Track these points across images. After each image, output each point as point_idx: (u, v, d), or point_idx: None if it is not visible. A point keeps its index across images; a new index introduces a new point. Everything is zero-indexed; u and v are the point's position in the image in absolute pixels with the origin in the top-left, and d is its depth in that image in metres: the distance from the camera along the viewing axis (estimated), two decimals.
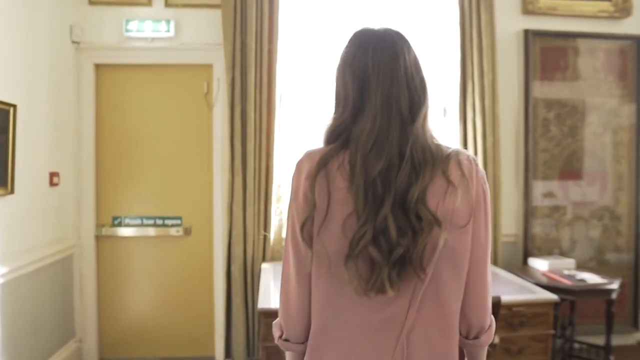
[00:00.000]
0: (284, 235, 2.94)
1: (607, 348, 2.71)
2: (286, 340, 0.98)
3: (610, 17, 3.38)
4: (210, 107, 3.13)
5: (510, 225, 3.28)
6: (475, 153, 3.12)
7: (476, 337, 0.98)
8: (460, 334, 0.97)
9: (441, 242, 0.87)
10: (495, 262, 3.07)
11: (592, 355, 2.99)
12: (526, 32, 3.23)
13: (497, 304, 1.74)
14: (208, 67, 3.12)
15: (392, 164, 0.88)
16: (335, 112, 0.99)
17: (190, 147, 3.15)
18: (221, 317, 3.05)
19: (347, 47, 0.98)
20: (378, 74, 0.92)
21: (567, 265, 2.99)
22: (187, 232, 3.16)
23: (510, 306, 2.20)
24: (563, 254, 3.28)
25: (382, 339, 0.89)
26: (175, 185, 3.15)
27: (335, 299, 0.91)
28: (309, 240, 0.90)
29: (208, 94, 3.13)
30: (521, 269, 3.04)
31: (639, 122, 3.42)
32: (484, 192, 0.93)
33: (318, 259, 0.90)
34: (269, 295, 2.21)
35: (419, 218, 0.85)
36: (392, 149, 0.88)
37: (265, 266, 2.84)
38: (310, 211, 0.89)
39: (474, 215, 0.90)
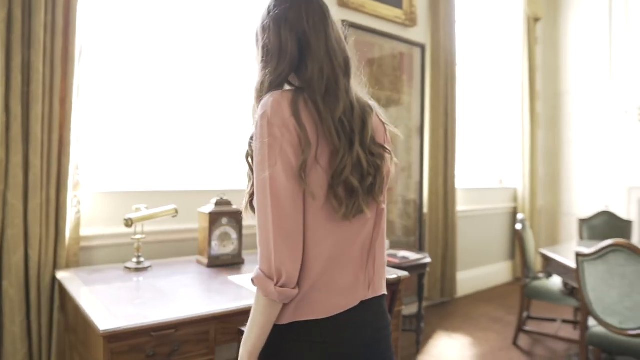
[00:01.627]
0: (82, 233, 2.29)
1: (419, 316, 3.01)
2: (283, 286, 0.96)
3: (402, 24, 3.80)
4: None
5: None
6: None
7: None
8: None
9: (392, 171, 1.13)
10: None
11: (407, 325, 3.30)
12: (344, 23, 3.32)
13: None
14: None
15: (347, 107, 1.03)
16: (268, 65, 1.05)
17: None
18: None
19: (276, 4, 1.06)
20: (316, 29, 1.05)
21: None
22: None
23: None
24: None
25: (357, 260, 1.05)
26: None
27: (324, 230, 0.99)
28: (304, 174, 0.95)
29: None
30: None
31: (422, 118, 3.96)
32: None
33: (307, 193, 0.97)
34: (104, 312, 1.60)
35: (376, 153, 1.04)
36: (343, 95, 1.03)
37: (63, 275, 2.08)
38: (306, 145, 0.96)
39: None
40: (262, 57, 1.07)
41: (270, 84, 1.04)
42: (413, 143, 3.92)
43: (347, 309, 1.02)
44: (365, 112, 1.05)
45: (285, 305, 1.00)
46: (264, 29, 1.06)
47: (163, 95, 2.79)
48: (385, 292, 1.13)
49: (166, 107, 2.81)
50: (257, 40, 1.10)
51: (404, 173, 3.86)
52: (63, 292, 2.04)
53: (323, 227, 0.99)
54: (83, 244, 2.32)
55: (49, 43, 2.15)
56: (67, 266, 2.24)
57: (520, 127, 5.19)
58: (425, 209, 4.02)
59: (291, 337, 1.01)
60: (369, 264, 1.09)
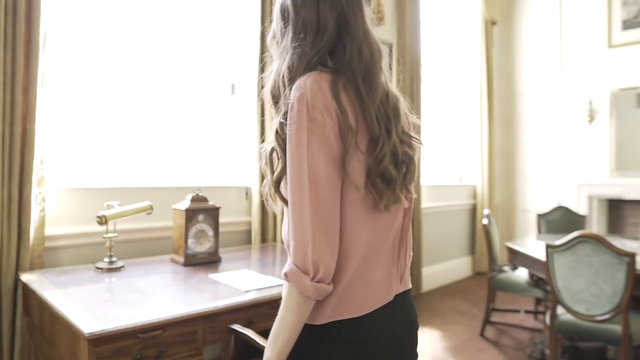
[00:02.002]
0: (47, 232, 2.15)
1: None
2: (319, 281, 0.89)
3: (372, 22, 3.83)
4: None
5: None
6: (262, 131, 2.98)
7: None
8: None
9: (419, 162, 1.10)
10: None
11: None
12: None
13: None
14: None
15: (383, 94, 0.99)
16: (302, 43, 0.98)
17: None
18: None
19: None
20: (354, 8, 1.01)
21: None
22: None
23: None
24: None
25: (390, 252, 1.01)
26: None
27: (362, 221, 0.94)
28: (346, 163, 0.91)
29: None
30: None
31: None
32: None
33: (347, 182, 0.92)
34: (84, 314, 1.49)
35: (407, 142, 1.00)
36: (381, 80, 1.00)
37: (29, 277, 1.93)
38: (349, 132, 0.91)
39: None
40: (295, 34, 0.99)
41: (308, 63, 0.96)
42: None
43: (383, 305, 0.97)
44: (397, 99, 1.02)
45: (320, 304, 0.94)
46: (297, 4, 0.99)
47: (134, 84, 2.66)
48: (411, 286, 1.10)
49: (137, 98, 2.69)
50: (286, 17, 1.02)
51: None
52: (28, 295, 1.90)
53: (361, 218, 0.94)
54: (48, 244, 2.17)
55: (10, 28, 2.00)
56: (31, 268, 2.08)
57: (479, 126, 5.37)
58: None
59: (326, 337, 0.94)
60: (401, 256, 1.04)
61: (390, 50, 4.00)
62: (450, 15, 5.25)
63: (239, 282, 1.97)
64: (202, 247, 2.33)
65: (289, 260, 0.92)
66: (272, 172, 1.00)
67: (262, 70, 2.94)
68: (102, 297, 1.73)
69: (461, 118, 5.44)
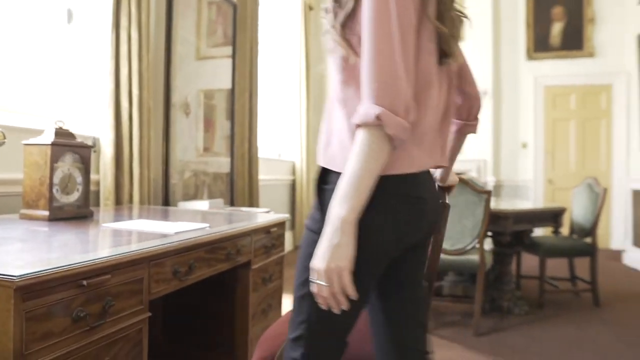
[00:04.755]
0: None
1: None
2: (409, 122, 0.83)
3: None
4: None
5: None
6: (130, 70, 2.47)
7: None
8: None
9: None
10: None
11: None
12: None
13: None
14: None
15: None
16: None
17: None
18: None
19: None
20: None
21: (220, 204, 2.93)
22: None
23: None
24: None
25: (439, 120, 0.98)
26: None
27: (431, 77, 0.91)
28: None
29: None
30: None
31: (233, 80, 3.78)
32: None
33: (423, 29, 0.89)
34: None
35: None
36: None
37: None
38: None
39: None
40: None
41: None
42: (226, 106, 3.71)
43: (426, 169, 0.95)
44: None
45: None
46: None
47: None
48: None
49: None
50: None
51: (219, 132, 3.62)
52: None
53: (431, 72, 0.91)
54: None
55: None
56: None
57: (298, 106, 5.57)
58: (235, 176, 3.87)
59: (385, 191, 0.86)
60: (443, 129, 1.00)
61: (235, 12, 3.78)
62: None
63: (155, 228, 1.55)
64: (70, 197, 1.75)
65: (367, 103, 0.81)
66: (339, 8, 0.90)
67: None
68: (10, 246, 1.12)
69: (282, 97, 5.54)
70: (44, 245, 1.24)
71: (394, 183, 0.87)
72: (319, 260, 0.79)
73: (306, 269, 0.87)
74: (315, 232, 0.88)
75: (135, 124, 2.52)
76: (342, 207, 0.79)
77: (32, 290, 0.88)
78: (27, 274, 0.86)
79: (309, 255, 0.86)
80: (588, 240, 3.40)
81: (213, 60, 3.58)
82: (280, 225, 2.13)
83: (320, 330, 0.90)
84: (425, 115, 0.91)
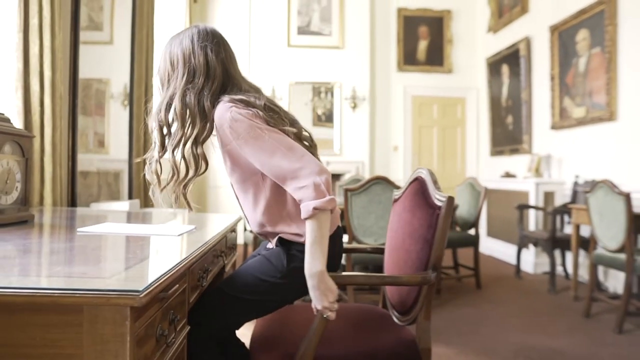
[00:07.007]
0: None
1: None
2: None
3: None
4: None
5: None
6: (41, 47, 2.09)
7: None
8: None
9: None
10: None
11: None
12: None
13: None
14: None
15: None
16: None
17: None
18: None
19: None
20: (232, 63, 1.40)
21: (137, 205, 2.63)
22: None
23: None
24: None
25: None
26: None
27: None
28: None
29: None
30: None
31: (131, 66, 3.43)
32: None
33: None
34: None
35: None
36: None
37: None
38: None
39: None
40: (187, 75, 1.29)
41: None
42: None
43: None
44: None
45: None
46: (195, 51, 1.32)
47: None
48: None
49: None
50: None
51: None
52: None
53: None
54: None
55: None
56: None
57: None
58: None
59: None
60: None
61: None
62: None
63: (147, 231, 1.37)
64: (9, 197, 1.44)
65: (304, 194, 1.13)
66: (185, 131, 1.22)
67: None
68: None
69: None
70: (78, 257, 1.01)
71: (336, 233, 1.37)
72: (324, 301, 1.14)
73: (261, 282, 1.26)
74: (278, 279, 1.27)
75: (48, 112, 2.14)
76: (319, 262, 1.14)
77: (141, 308, 0.73)
78: (150, 285, 0.71)
79: (264, 278, 1.27)
80: (471, 232, 3.91)
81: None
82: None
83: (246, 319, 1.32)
84: None
